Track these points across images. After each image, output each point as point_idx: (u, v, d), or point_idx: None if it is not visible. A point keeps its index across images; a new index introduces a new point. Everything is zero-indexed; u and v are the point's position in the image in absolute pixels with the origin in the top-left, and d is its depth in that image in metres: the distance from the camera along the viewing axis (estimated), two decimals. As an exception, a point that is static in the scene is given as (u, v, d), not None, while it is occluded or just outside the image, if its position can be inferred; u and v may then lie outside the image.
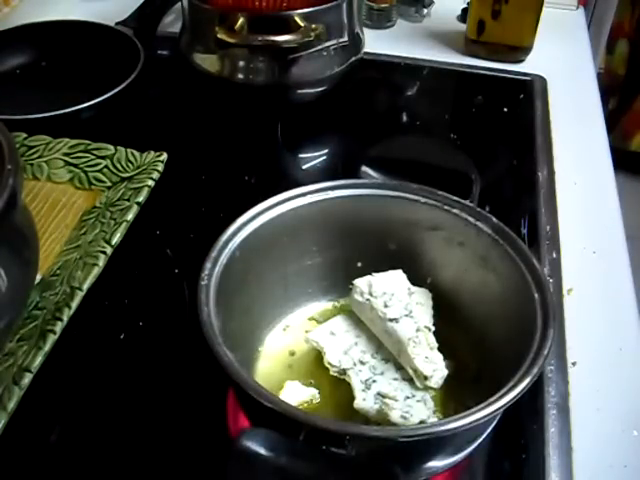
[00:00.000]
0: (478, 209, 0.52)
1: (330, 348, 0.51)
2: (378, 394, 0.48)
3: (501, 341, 0.49)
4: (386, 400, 0.47)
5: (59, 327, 0.57)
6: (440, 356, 0.49)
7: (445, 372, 0.48)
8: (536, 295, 0.46)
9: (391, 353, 0.51)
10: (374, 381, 0.49)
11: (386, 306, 0.50)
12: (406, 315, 0.50)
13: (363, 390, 0.48)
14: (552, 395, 0.55)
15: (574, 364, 0.58)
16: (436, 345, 0.49)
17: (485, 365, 0.50)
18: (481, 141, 0.83)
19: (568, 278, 0.65)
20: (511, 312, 0.48)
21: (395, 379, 0.49)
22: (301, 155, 0.82)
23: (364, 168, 0.73)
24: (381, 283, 0.52)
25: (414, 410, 0.47)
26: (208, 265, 0.47)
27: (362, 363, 0.50)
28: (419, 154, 0.77)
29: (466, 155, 0.76)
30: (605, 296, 0.64)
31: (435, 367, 0.48)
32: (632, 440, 0.53)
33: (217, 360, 0.41)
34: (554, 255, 0.67)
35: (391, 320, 0.50)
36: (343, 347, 0.51)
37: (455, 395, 0.50)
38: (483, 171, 0.73)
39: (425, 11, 1.07)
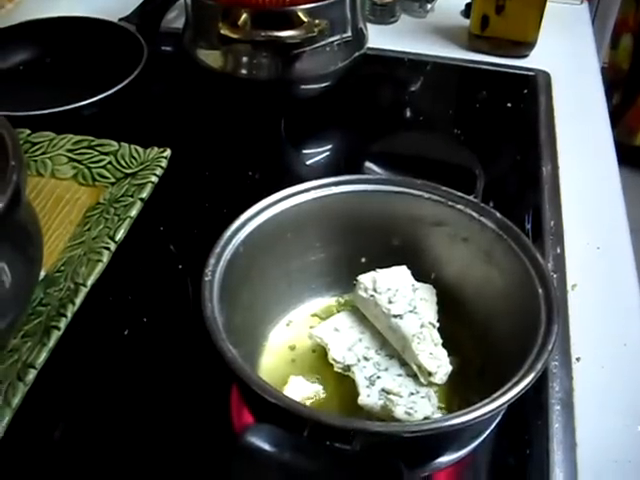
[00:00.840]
0: (482, 204, 0.52)
1: (334, 344, 0.51)
2: (382, 390, 0.48)
3: (505, 336, 0.49)
4: (390, 396, 0.47)
5: (63, 323, 0.57)
6: (444, 352, 0.49)
7: (449, 368, 0.48)
8: (540, 290, 0.46)
9: (395, 349, 0.51)
10: (378, 377, 0.49)
11: (390, 302, 0.50)
12: (410, 311, 0.50)
13: (367, 386, 0.48)
14: (556, 390, 0.55)
15: (578, 359, 0.58)
16: (440, 341, 0.49)
17: (489, 360, 0.50)
18: (485, 136, 0.83)
19: (572, 273, 0.65)
20: (515, 307, 0.48)
21: (399, 375, 0.49)
22: (305, 150, 0.82)
23: (368, 164, 0.73)
24: (385, 279, 0.52)
25: (418, 406, 0.47)
26: (212, 261, 0.47)
27: (366, 359, 0.50)
28: (423, 149, 0.77)
29: (470, 150, 0.76)
30: (609, 291, 0.64)
31: (439, 363, 0.48)
32: (636, 435, 0.53)
33: (221, 356, 0.41)
34: (558, 250, 0.67)
35: (395, 316, 0.50)
36: (347, 343, 0.51)
37: (459, 391, 0.50)
38: (487, 166, 0.73)
39: (429, 6, 1.07)
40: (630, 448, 0.52)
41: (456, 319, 0.53)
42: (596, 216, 0.72)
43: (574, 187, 0.75)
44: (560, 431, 0.52)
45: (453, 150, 0.77)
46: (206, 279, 0.46)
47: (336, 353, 0.50)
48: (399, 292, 0.51)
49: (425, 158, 0.75)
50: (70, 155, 0.74)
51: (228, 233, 0.49)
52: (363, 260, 0.55)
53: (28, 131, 0.75)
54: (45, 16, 0.95)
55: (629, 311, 0.62)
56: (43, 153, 0.74)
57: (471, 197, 0.52)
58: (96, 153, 0.74)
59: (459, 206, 0.52)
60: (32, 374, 0.53)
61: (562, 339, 0.59)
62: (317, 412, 0.40)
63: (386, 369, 0.50)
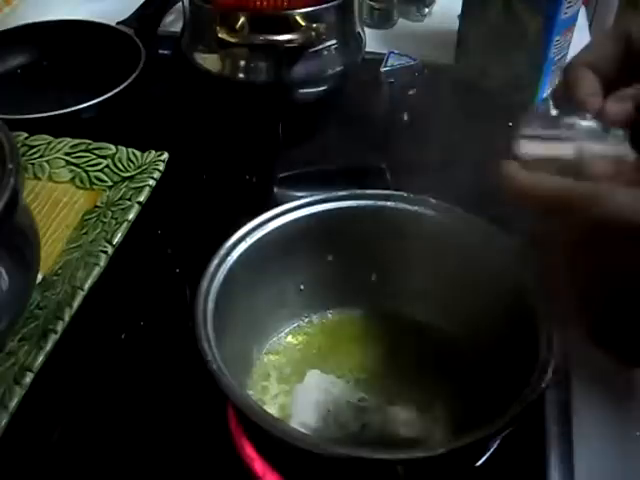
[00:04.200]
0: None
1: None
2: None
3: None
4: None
5: (60, 327, 0.57)
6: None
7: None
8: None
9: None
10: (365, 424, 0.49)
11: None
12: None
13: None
14: (553, 395, 0.55)
15: (576, 363, 0.58)
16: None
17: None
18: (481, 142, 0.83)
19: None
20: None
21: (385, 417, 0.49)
22: (302, 155, 0.82)
23: (365, 169, 0.73)
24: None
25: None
26: (204, 283, 0.46)
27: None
28: (421, 155, 0.77)
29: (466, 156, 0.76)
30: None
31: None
32: (634, 441, 0.53)
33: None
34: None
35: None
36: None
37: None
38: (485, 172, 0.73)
39: (426, 10, 1.07)
40: (628, 454, 0.52)
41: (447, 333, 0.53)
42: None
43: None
44: (556, 436, 0.52)
45: (450, 155, 0.77)
46: (199, 300, 0.45)
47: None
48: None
49: (422, 163, 0.75)
50: (67, 158, 0.74)
51: (222, 251, 0.49)
52: (357, 280, 0.55)
53: (25, 134, 0.75)
54: (43, 19, 0.95)
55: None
56: (40, 156, 0.74)
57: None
58: (93, 156, 0.74)
59: (457, 220, 0.52)
60: (29, 377, 0.53)
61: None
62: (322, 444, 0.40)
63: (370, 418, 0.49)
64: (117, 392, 0.55)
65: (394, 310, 0.55)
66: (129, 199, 0.68)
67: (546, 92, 0.86)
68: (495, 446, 0.45)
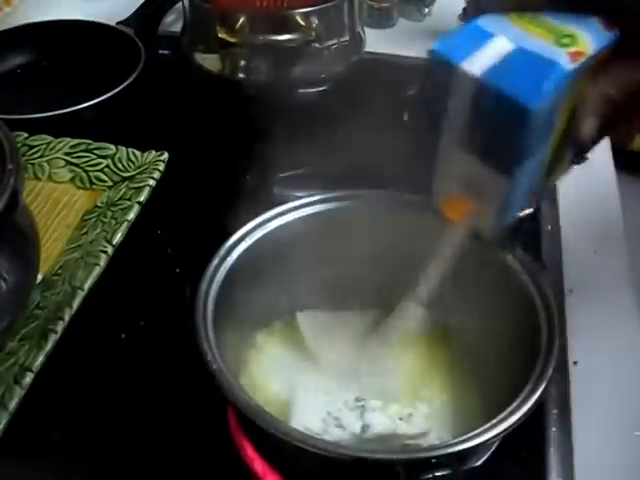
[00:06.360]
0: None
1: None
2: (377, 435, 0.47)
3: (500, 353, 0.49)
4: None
5: (60, 327, 0.57)
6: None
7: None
8: (540, 311, 0.46)
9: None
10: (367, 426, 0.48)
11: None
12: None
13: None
14: (553, 394, 0.55)
15: (575, 363, 0.58)
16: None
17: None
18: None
19: (569, 277, 0.65)
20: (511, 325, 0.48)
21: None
22: (302, 154, 0.82)
23: (365, 169, 0.73)
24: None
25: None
26: (204, 285, 0.47)
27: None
28: (420, 155, 0.77)
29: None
30: (606, 296, 0.64)
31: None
32: (633, 440, 0.53)
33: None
34: (555, 254, 0.67)
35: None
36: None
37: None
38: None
39: (426, 10, 1.07)
40: (627, 453, 0.52)
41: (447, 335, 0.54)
42: (592, 220, 0.72)
43: (571, 191, 0.75)
44: (557, 435, 0.52)
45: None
46: (199, 300, 0.46)
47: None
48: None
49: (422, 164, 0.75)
50: (67, 158, 0.74)
51: (222, 251, 0.49)
52: (356, 278, 0.55)
53: (25, 134, 0.75)
54: (43, 19, 0.95)
55: (625, 315, 0.62)
56: (40, 156, 0.74)
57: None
58: (93, 156, 0.74)
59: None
60: (29, 377, 0.53)
61: (559, 343, 0.59)
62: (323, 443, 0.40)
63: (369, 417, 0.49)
64: (117, 392, 0.55)
65: (393, 309, 0.55)
66: (129, 199, 0.68)
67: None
68: (495, 446, 0.45)
